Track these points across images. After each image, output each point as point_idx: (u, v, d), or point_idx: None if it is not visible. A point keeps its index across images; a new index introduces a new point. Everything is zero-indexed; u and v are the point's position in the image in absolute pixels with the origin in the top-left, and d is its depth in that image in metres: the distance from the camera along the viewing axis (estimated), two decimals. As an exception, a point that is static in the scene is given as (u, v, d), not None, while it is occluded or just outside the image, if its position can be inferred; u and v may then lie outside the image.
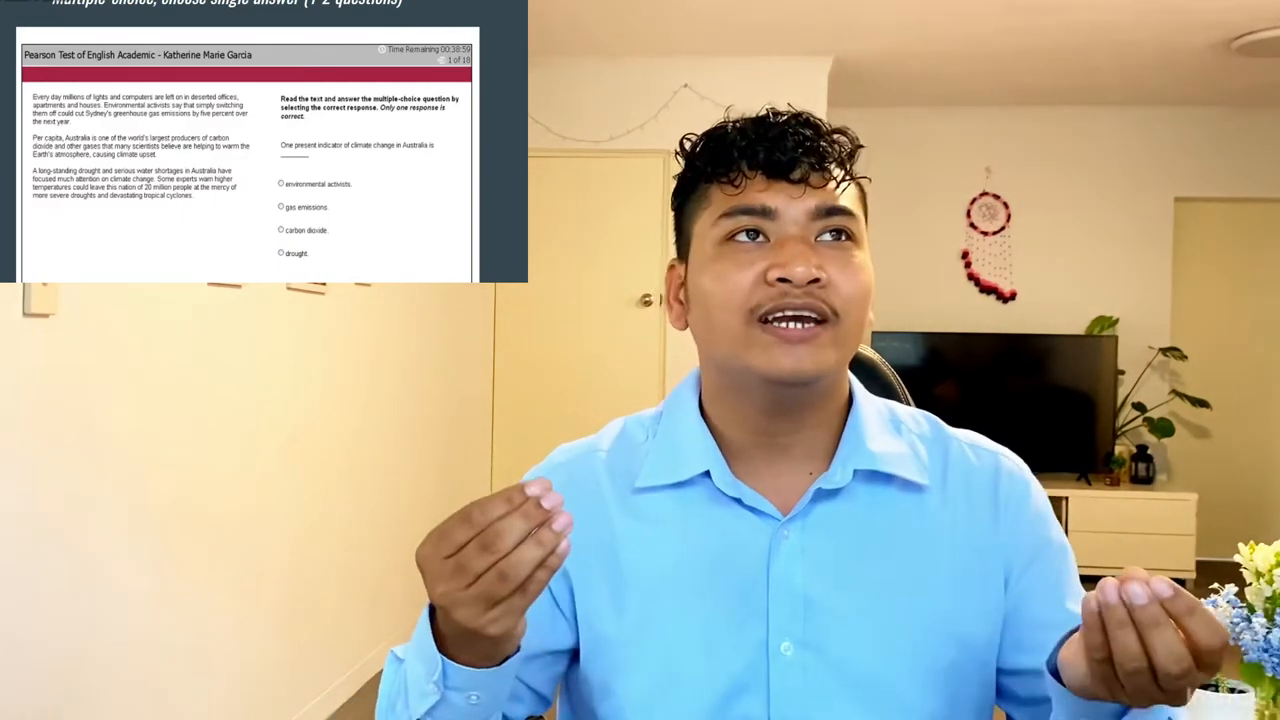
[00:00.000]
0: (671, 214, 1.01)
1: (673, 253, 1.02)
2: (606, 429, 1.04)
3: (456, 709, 0.83)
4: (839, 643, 0.91)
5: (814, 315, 0.88)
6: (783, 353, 0.88)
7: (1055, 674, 0.82)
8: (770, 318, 0.88)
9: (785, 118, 0.93)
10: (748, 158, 0.91)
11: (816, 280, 0.87)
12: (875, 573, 0.93)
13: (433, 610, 0.82)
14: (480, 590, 0.73)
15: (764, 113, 0.94)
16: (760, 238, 0.91)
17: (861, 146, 0.96)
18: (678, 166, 0.99)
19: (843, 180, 0.93)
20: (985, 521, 0.96)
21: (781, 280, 0.87)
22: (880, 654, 0.92)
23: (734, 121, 0.95)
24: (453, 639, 0.80)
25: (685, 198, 0.97)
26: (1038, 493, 1.00)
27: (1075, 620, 0.89)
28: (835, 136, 0.94)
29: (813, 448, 0.95)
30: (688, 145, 0.97)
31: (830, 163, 0.92)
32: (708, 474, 0.95)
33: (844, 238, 0.92)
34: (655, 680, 0.93)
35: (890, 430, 0.99)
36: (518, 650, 0.83)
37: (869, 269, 0.93)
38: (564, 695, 1.05)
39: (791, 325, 0.88)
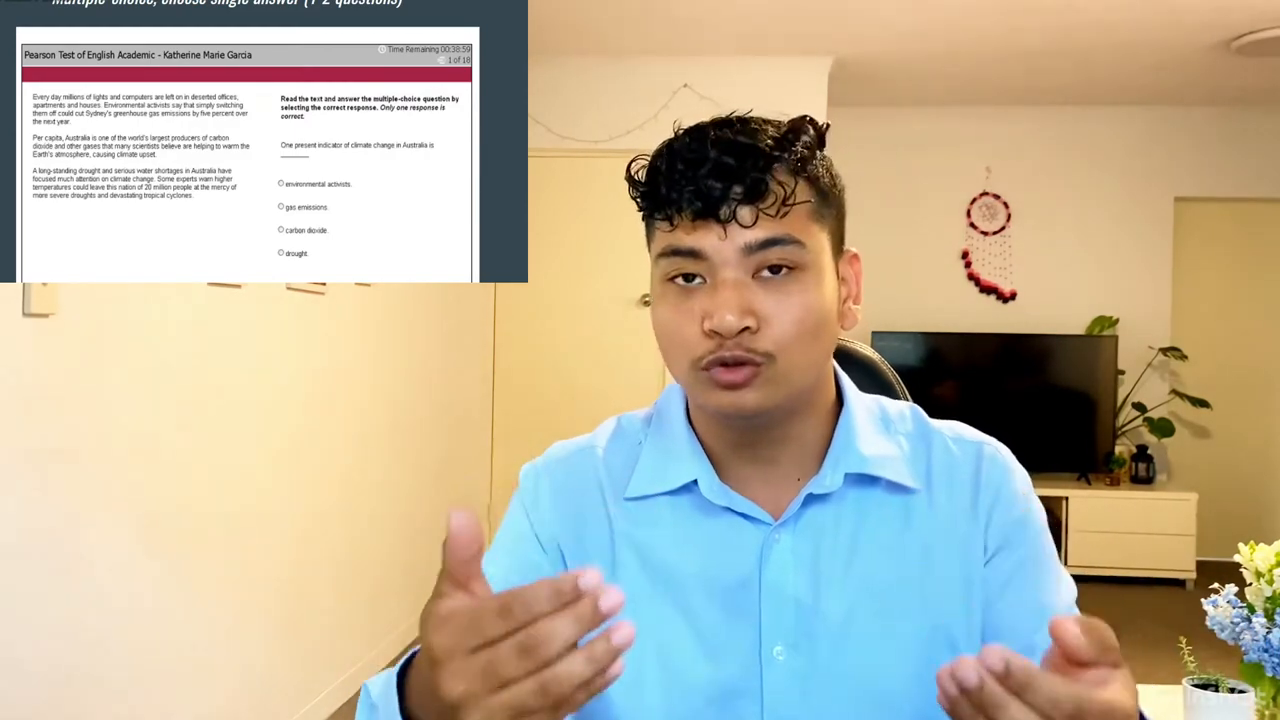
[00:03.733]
0: None
1: None
2: (601, 427, 1.04)
3: None
4: (831, 647, 0.91)
5: (746, 362, 0.88)
6: (721, 395, 0.89)
7: None
8: (709, 366, 0.88)
9: (716, 141, 0.87)
10: (674, 199, 0.88)
11: (746, 328, 0.86)
12: (867, 576, 0.93)
13: (404, 671, 0.73)
14: (509, 700, 0.60)
15: (700, 135, 0.89)
16: (698, 279, 0.89)
17: (824, 130, 0.92)
18: None
19: (785, 202, 0.87)
20: (967, 512, 0.96)
21: (714, 331, 0.87)
22: (872, 657, 0.92)
23: (672, 144, 0.90)
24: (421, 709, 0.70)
25: (644, 218, 0.95)
26: (1019, 477, 0.99)
27: (1047, 610, 0.90)
28: (777, 153, 0.88)
29: (800, 454, 0.96)
30: (634, 170, 0.93)
31: (770, 185, 0.87)
32: (695, 484, 0.95)
33: (785, 270, 0.88)
34: (648, 685, 0.92)
35: (881, 430, 0.98)
36: None
37: (819, 298, 0.89)
38: None
39: (723, 372, 0.88)
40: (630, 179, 0.93)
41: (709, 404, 0.91)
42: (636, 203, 0.93)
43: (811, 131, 0.91)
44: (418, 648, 0.71)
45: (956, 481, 0.97)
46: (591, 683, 0.59)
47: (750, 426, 0.93)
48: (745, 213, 0.87)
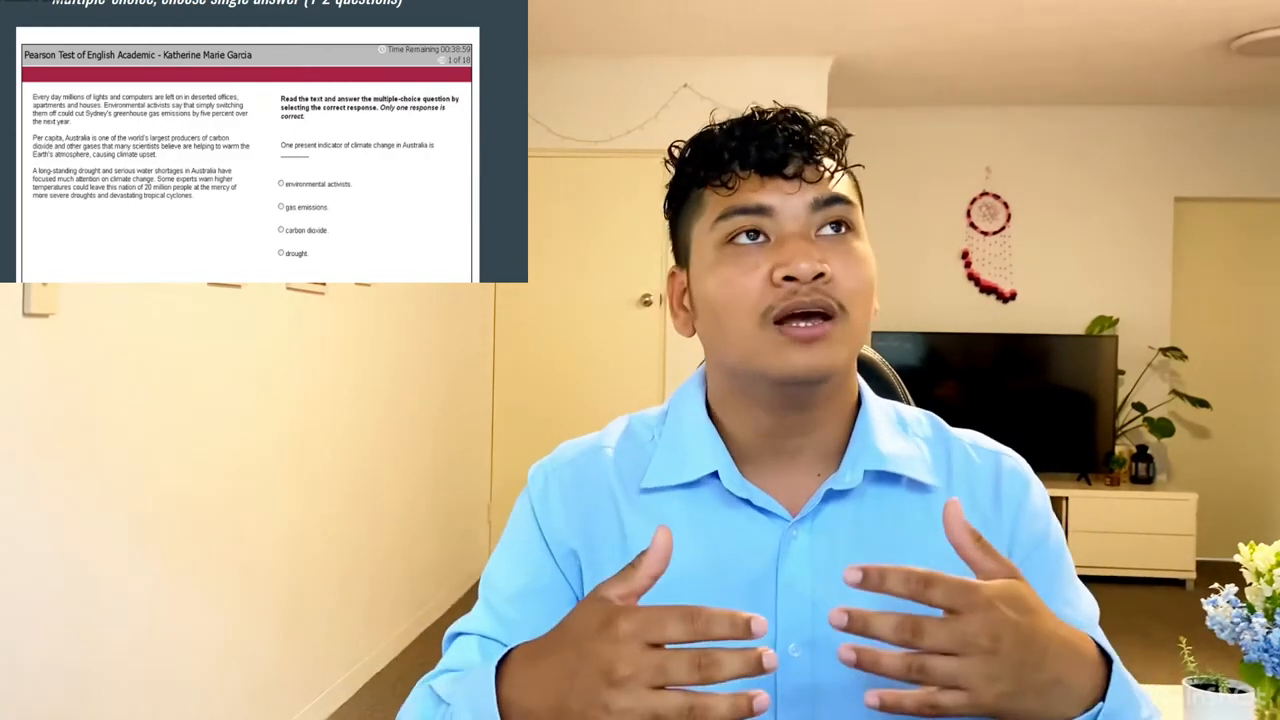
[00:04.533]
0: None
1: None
2: (611, 427, 1.03)
3: None
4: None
5: (821, 311, 0.87)
6: (796, 352, 0.87)
7: None
8: (782, 319, 0.88)
9: (772, 114, 0.92)
10: (739, 158, 0.90)
11: (821, 275, 0.87)
12: None
13: (503, 663, 0.77)
14: (659, 703, 0.67)
15: (750, 112, 0.93)
16: (760, 237, 0.90)
17: (850, 135, 0.96)
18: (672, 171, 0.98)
19: (836, 170, 0.92)
20: (988, 520, 0.95)
21: (788, 279, 0.87)
22: None
23: (720, 124, 0.94)
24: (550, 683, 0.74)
25: (679, 204, 0.96)
26: (1038, 491, 1.00)
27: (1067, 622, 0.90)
28: (823, 128, 0.93)
29: (822, 449, 0.95)
30: (675, 152, 0.96)
31: (821, 154, 0.91)
32: (715, 475, 0.94)
33: (844, 229, 0.91)
34: None
35: (898, 431, 0.98)
36: None
37: (871, 259, 0.92)
38: None
39: (802, 325, 0.87)
40: (676, 156, 0.95)
41: (776, 366, 0.89)
42: (681, 180, 0.95)
43: (839, 127, 0.96)
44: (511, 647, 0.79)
45: (977, 488, 0.97)
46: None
47: (803, 397, 0.91)
48: (810, 171, 0.90)
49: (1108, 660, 0.79)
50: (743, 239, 0.90)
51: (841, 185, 0.92)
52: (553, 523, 0.97)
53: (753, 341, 0.89)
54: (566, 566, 0.96)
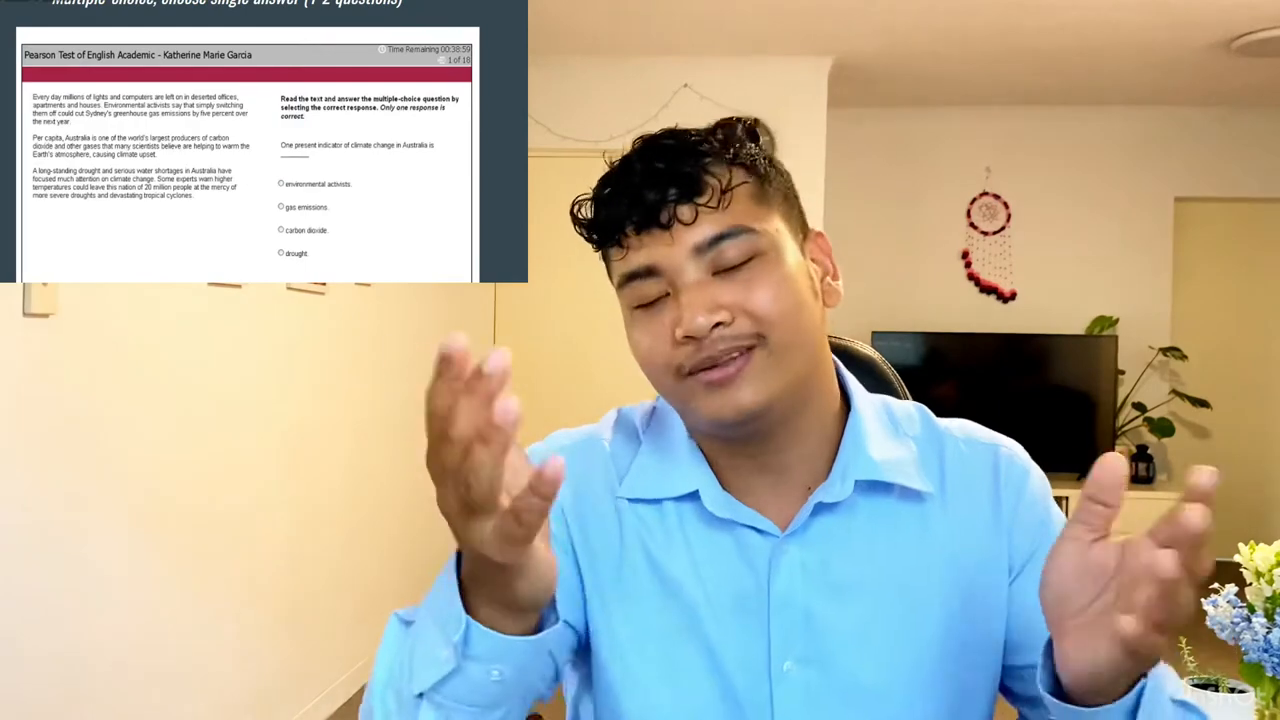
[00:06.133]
0: None
1: None
2: (605, 419, 1.01)
3: (474, 685, 0.71)
4: (842, 660, 0.88)
5: (736, 351, 0.84)
6: (714, 399, 0.85)
7: (1053, 692, 0.75)
8: (695, 371, 0.85)
9: (640, 159, 0.87)
10: (618, 221, 0.87)
11: (719, 324, 0.83)
12: (878, 587, 0.90)
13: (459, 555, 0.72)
14: (457, 495, 0.64)
15: (620, 161, 0.89)
16: (660, 297, 0.86)
17: (753, 123, 0.90)
18: None
19: (724, 190, 0.85)
20: (987, 520, 0.92)
21: (688, 337, 0.83)
22: (884, 670, 0.88)
23: (606, 173, 0.90)
24: (470, 575, 0.70)
25: (601, 256, 0.94)
26: (1037, 478, 0.96)
27: None
28: (704, 147, 0.87)
29: (807, 460, 0.92)
30: (576, 212, 0.92)
31: (706, 182, 0.85)
32: (695, 494, 0.91)
33: (743, 263, 0.85)
34: (655, 701, 0.89)
35: (890, 432, 0.94)
36: (555, 621, 0.74)
37: (789, 277, 0.86)
38: (579, 696, 1.00)
39: (714, 372, 0.84)
40: (575, 219, 0.92)
41: (702, 414, 0.86)
42: (591, 243, 0.92)
43: (739, 127, 0.90)
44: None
45: (973, 487, 0.93)
46: (490, 439, 0.60)
47: (751, 434, 0.88)
48: (685, 211, 0.85)
49: None
50: (639, 308, 0.88)
51: (736, 208, 0.85)
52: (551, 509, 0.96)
53: (677, 395, 0.87)
54: (567, 559, 0.93)
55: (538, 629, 0.73)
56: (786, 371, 0.86)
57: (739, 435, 0.89)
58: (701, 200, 0.85)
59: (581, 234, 0.92)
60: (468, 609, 0.70)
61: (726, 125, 0.90)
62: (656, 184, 0.85)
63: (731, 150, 0.88)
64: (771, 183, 0.90)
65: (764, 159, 0.90)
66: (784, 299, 0.85)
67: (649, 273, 0.86)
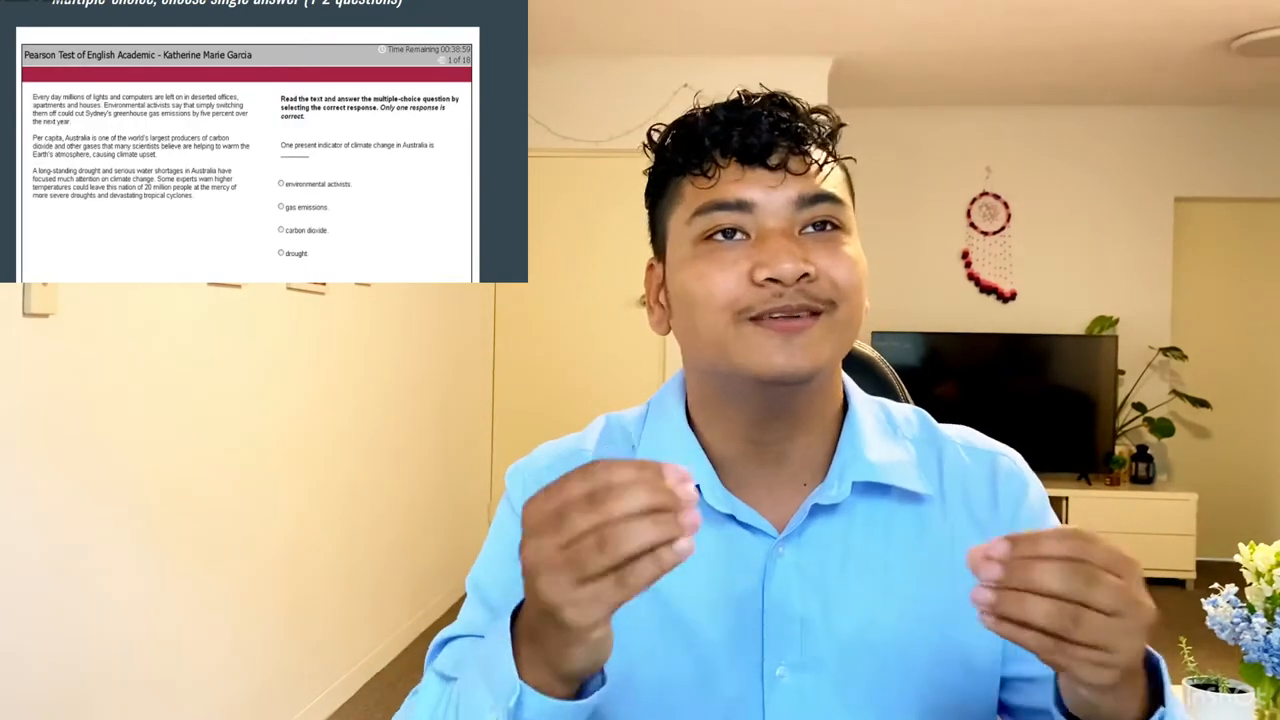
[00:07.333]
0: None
1: None
2: (590, 427, 0.99)
3: None
4: (837, 667, 0.86)
5: (808, 310, 0.82)
6: (775, 348, 0.81)
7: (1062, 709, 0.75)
8: (761, 316, 0.82)
9: (759, 99, 0.86)
10: (719, 145, 0.84)
11: (806, 275, 0.81)
12: (874, 592, 0.88)
13: (516, 613, 0.72)
14: (573, 554, 0.62)
15: (735, 95, 0.87)
16: (739, 235, 0.83)
17: (844, 125, 0.90)
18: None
19: (825, 163, 0.85)
20: (986, 527, 0.91)
21: (771, 281, 0.81)
22: (879, 676, 0.87)
23: (704, 108, 0.87)
24: (527, 633, 0.69)
25: (657, 194, 0.91)
26: (1036, 490, 0.95)
27: None
28: (815, 116, 0.87)
29: (807, 457, 0.90)
30: (655, 136, 0.90)
31: (810, 144, 0.85)
32: (697, 488, 0.89)
33: (830, 227, 0.84)
34: (648, 708, 0.88)
35: (888, 434, 0.93)
36: (601, 684, 0.72)
37: (861, 258, 0.86)
38: None
39: (786, 321, 0.82)
40: (653, 142, 0.90)
41: (753, 363, 0.82)
42: (660, 167, 0.89)
43: (832, 115, 0.91)
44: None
45: (972, 493, 0.92)
46: (657, 553, 0.61)
47: (783, 397, 0.85)
48: (796, 162, 0.84)
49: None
50: (719, 237, 0.84)
51: (831, 180, 0.86)
52: None
53: (727, 338, 0.83)
54: None
55: (581, 691, 0.72)
56: (839, 346, 0.85)
57: (766, 402, 0.86)
58: (813, 157, 0.85)
59: (663, 155, 0.89)
60: (518, 671, 0.69)
61: (824, 109, 0.90)
62: (775, 124, 0.84)
63: (834, 134, 0.89)
64: (851, 178, 0.91)
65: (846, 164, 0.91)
66: (856, 278, 0.84)
67: (740, 206, 0.83)
